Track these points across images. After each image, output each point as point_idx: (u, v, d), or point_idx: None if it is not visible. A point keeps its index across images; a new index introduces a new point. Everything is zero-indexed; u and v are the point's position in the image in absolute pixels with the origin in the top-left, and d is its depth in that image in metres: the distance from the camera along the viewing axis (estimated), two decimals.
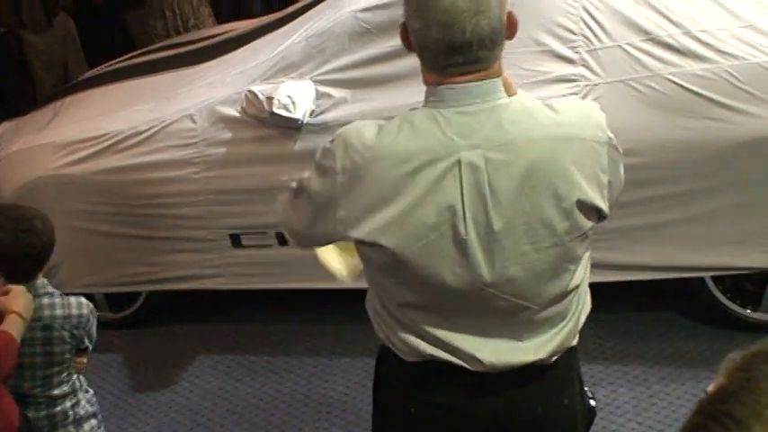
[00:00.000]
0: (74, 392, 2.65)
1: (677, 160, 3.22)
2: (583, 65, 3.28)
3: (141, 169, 3.70)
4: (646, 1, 3.28)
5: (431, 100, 1.64)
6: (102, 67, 5.01)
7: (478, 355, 1.68)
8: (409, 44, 1.64)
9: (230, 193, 3.65)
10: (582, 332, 1.78)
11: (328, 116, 3.49)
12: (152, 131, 3.69)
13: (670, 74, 3.20)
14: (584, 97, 3.24)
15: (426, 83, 1.66)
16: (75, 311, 2.57)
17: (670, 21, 3.25)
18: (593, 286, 1.83)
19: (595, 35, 3.27)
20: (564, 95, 3.25)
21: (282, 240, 3.63)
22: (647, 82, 3.22)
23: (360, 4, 3.55)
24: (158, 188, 3.70)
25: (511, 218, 1.59)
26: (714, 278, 3.56)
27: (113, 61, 5.01)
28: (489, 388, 1.72)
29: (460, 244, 1.61)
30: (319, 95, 3.52)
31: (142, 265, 3.90)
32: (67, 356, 2.58)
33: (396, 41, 3.39)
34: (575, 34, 3.29)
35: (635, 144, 3.18)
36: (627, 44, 3.25)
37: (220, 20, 6.18)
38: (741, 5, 3.31)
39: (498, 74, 1.64)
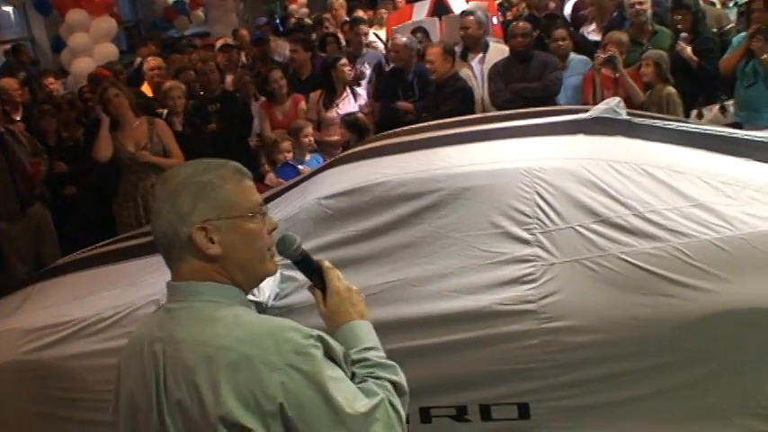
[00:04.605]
0: None
1: (634, 337, 3.26)
2: (538, 246, 3.38)
3: (105, 355, 3.66)
4: (596, 185, 3.43)
5: None
6: (74, 255, 5.08)
7: None
8: None
9: None
10: None
11: (293, 299, 3.52)
12: (117, 317, 3.71)
13: (622, 253, 3.30)
14: (540, 276, 3.33)
15: None
16: None
17: (620, 203, 3.39)
18: None
19: (549, 218, 3.40)
20: (521, 276, 3.35)
21: None
22: (601, 261, 3.31)
23: (323, 192, 3.68)
24: None
25: (174, 414, 1.72)
26: None
27: (85, 249, 5.09)
28: None
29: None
30: (284, 279, 3.58)
31: None
32: None
33: (358, 226, 3.55)
34: (529, 217, 3.41)
35: (592, 322, 3.25)
36: (579, 226, 3.37)
37: None
38: (688, 185, 3.46)
39: (198, 278, 1.81)
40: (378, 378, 1.85)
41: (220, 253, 1.81)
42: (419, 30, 8.90)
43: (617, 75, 6.37)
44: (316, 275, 2.06)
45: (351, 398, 1.72)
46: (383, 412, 1.77)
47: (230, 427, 1.64)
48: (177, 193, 1.80)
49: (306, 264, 2.07)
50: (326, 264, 2.06)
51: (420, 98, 7.12)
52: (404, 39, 7.47)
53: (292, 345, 1.68)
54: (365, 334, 1.96)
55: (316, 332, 1.76)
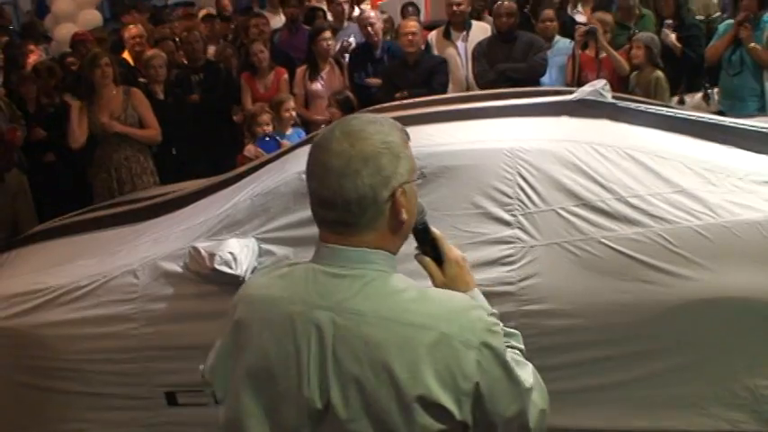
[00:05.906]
0: None
1: (613, 323, 3.26)
2: (518, 227, 3.37)
3: (79, 324, 3.64)
4: (579, 168, 3.41)
5: (314, 254, 1.77)
6: (52, 222, 5.03)
7: None
8: None
9: (169, 350, 3.60)
10: None
11: None
12: (93, 286, 3.67)
13: (603, 237, 3.29)
14: (520, 258, 3.31)
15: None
16: None
17: (602, 187, 3.38)
18: None
19: (530, 199, 3.38)
20: (500, 257, 3.33)
21: None
22: (582, 245, 3.30)
23: (305, 166, 3.62)
24: (95, 343, 3.64)
25: (346, 389, 1.61)
26: None
27: (63, 216, 5.03)
28: None
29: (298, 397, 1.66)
30: (262, 253, 3.55)
31: (75, 422, 3.77)
32: None
33: None
34: (510, 198, 3.39)
35: (571, 306, 3.25)
36: (561, 208, 3.36)
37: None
38: (672, 171, 3.44)
39: (374, 245, 1.70)
40: (512, 347, 1.78)
41: (407, 218, 1.74)
42: (409, 5, 8.85)
43: (602, 55, 6.36)
44: (429, 245, 1.95)
45: (521, 371, 1.70)
46: (536, 379, 1.76)
47: (427, 407, 1.58)
48: (378, 154, 1.67)
49: (425, 232, 1.95)
50: (438, 233, 1.95)
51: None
52: (372, 13, 7.45)
53: (484, 323, 1.64)
54: (486, 303, 1.86)
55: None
